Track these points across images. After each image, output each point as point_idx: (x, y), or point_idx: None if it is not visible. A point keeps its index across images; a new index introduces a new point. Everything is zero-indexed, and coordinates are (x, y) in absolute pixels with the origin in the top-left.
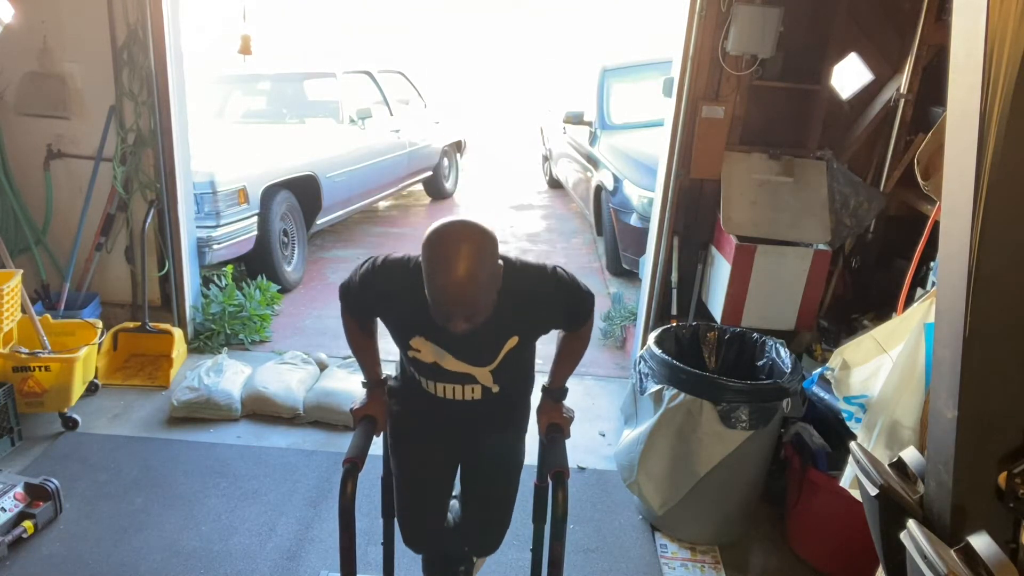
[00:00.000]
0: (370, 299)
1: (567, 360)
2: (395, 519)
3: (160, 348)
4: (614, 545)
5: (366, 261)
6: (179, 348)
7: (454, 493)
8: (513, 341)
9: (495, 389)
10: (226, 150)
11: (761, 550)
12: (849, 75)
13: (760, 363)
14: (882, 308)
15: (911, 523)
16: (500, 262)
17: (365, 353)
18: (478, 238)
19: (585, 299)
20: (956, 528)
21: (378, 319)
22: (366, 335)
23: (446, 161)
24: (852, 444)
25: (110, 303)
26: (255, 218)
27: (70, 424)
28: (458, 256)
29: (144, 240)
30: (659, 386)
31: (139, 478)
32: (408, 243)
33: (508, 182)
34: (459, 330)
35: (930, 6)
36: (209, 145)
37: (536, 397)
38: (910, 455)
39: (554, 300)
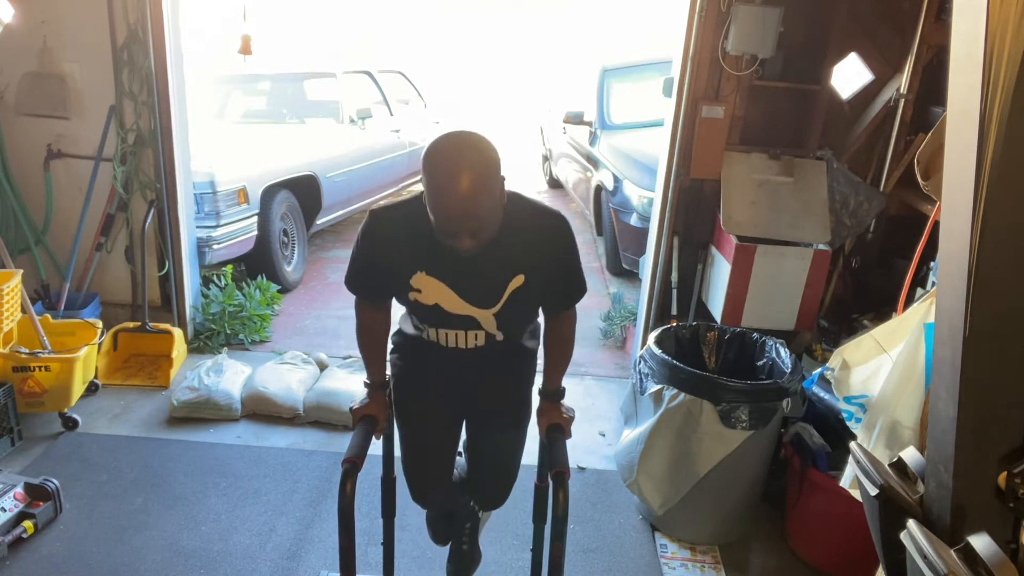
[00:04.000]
0: (372, 256)
1: (557, 359)
2: (394, 519)
3: (160, 348)
4: (614, 545)
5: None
6: (179, 348)
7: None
8: (518, 280)
9: (499, 336)
10: (226, 150)
11: (761, 550)
12: (849, 75)
13: (760, 363)
14: (882, 308)
15: (911, 523)
16: (504, 176)
17: (372, 352)
18: (478, 146)
19: (579, 276)
20: (956, 528)
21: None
22: (376, 330)
23: None
24: (852, 444)
25: (110, 303)
26: (255, 218)
27: (70, 424)
28: (460, 165)
29: (144, 240)
30: (659, 386)
31: (139, 478)
32: None
33: (508, 182)
34: (465, 248)
35: (930, 6)
36: (209, 145)
37: (538, 391)
38: (910, 455)
39: (559, 243)
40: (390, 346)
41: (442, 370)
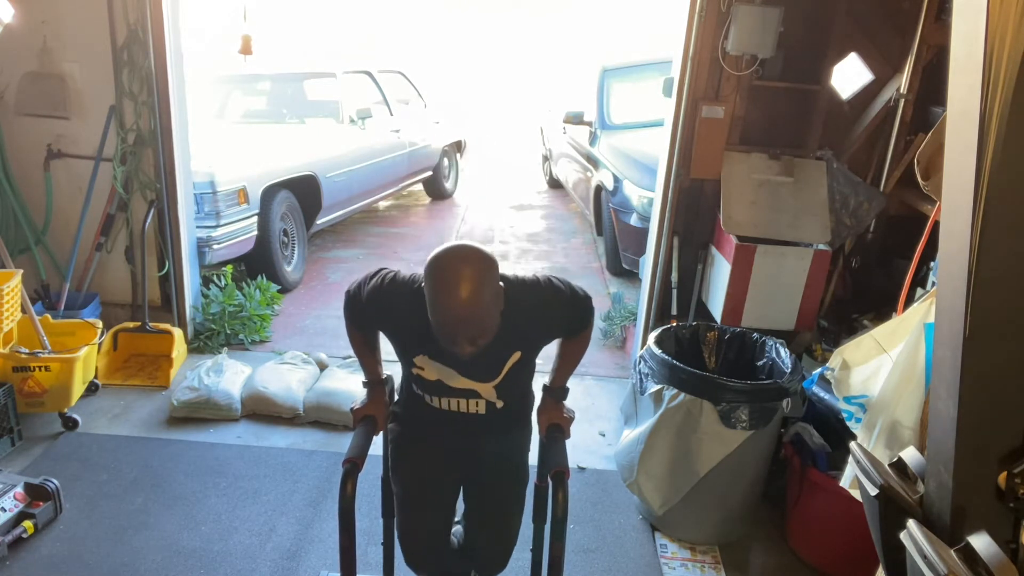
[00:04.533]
0: (374, 315)
1: (568, 361)
2: (395, 519)
3: (160, 348)
4: (614, 545)
5: (374, 276)
6: (179, 348)
7: (457, 519)
8: (516, 356)
9: (499, 404)
10: (226, 150)
11: (761, 550)
12: (849, 75)
13: (760, 363)
14: (882, 308)
15: (911, 523)
16: (500, 283)
17: (367, 354)
18: (478, 262)
19: (584, 306)
20: (956, 528)
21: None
22: (368, 339)
23: (446, 161)
24: (852, 444)
25: (110, 303)
26: (255, 218)
27: (70, 424)
28: (460, 281)
29: (144, 240)
30: (659, 386)
31: (139, 478)
32: (408, 243)
33: (508, 182)
34: (465, 353)
35: (930, 6)
36: (209, 145)
37: (536, 400)
38: (910, 455)
39: (554, 313)
40: (390, 413)
41: (441, 436)
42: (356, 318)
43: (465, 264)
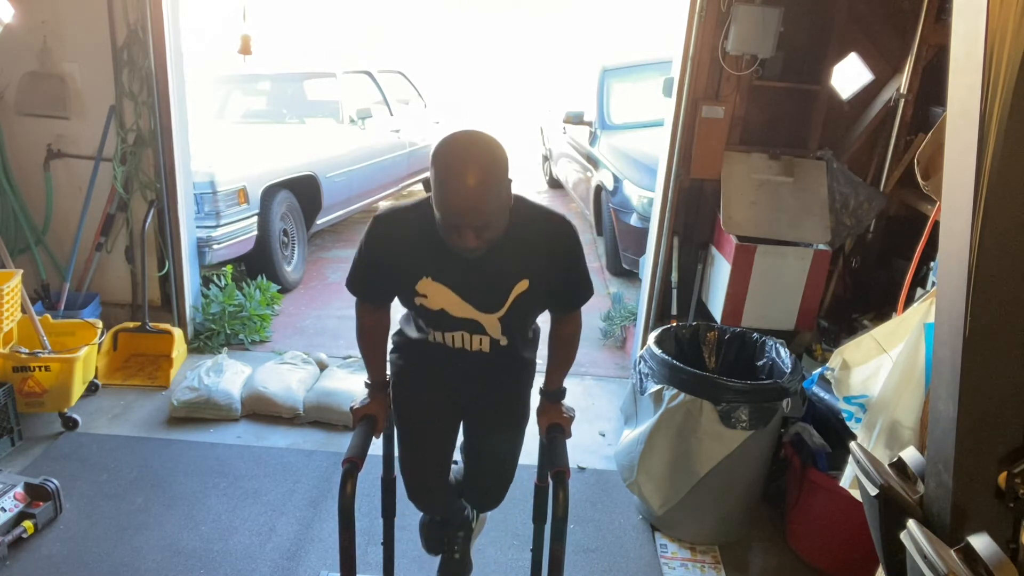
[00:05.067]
0: (377, 261)
1: (561, 359)
2: (394, 519)
3: (160, 348)
4: (614, 545)
5: (361, 241)
6: (179, 348)
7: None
8: (523, 285)
9: (503, 341)
10: (226, 150)
11: (761, 550)
12: (849, 75)
13: (760, 363)
14: (882, 308)
15: (911, 523)
16: (511, 179)
17: (373, 352)
18: (487, 145)
19: (587, 280)
20: (956, 528)
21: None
22: (377, 331)
23: None
24: (852, 444)
25: (110, 303)
26: (255, 218)
27: (70, 424)
28: (468, 161)
29: (144, 240)
30: (659, 386)
31: (139, 478)
32: None
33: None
34: (469, 246)
35: (930, 6)
36: (209, 145)
37: (539, 390)
38: (910, 455)
39: (564, 248)
40: (390, 345)
41: (443, 371)
42: (362, 285)
43: (474, 147)
